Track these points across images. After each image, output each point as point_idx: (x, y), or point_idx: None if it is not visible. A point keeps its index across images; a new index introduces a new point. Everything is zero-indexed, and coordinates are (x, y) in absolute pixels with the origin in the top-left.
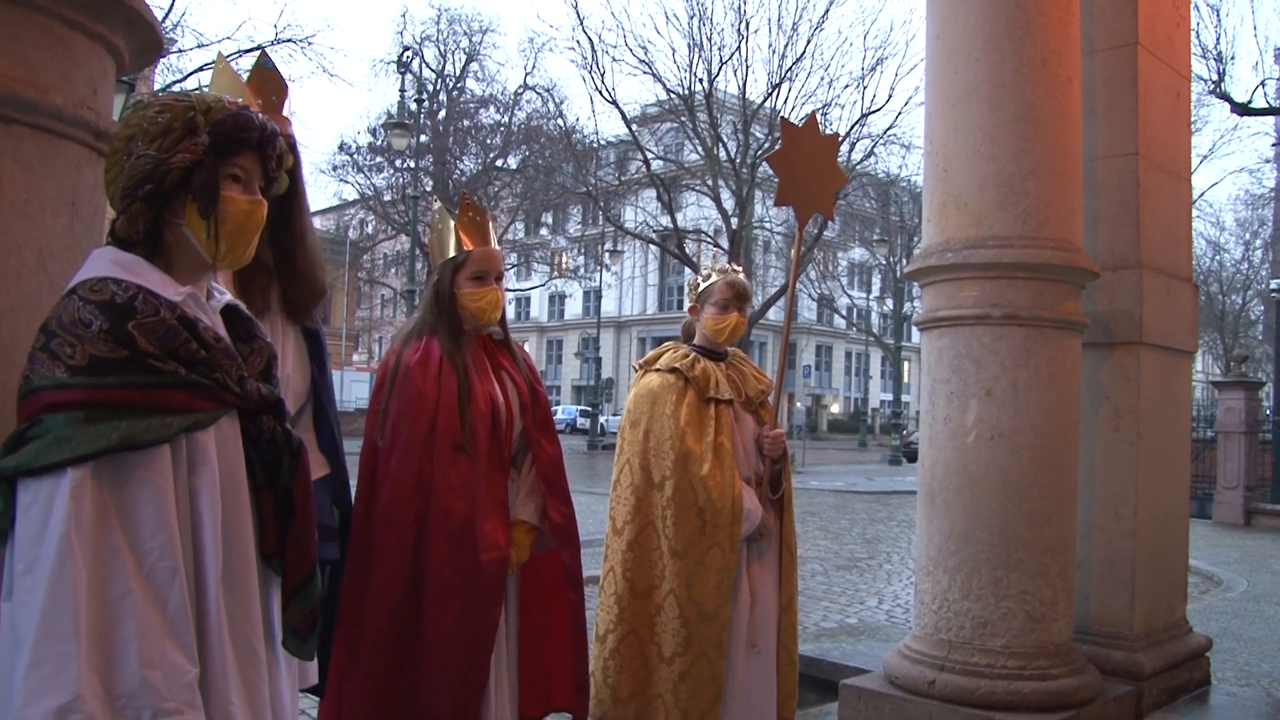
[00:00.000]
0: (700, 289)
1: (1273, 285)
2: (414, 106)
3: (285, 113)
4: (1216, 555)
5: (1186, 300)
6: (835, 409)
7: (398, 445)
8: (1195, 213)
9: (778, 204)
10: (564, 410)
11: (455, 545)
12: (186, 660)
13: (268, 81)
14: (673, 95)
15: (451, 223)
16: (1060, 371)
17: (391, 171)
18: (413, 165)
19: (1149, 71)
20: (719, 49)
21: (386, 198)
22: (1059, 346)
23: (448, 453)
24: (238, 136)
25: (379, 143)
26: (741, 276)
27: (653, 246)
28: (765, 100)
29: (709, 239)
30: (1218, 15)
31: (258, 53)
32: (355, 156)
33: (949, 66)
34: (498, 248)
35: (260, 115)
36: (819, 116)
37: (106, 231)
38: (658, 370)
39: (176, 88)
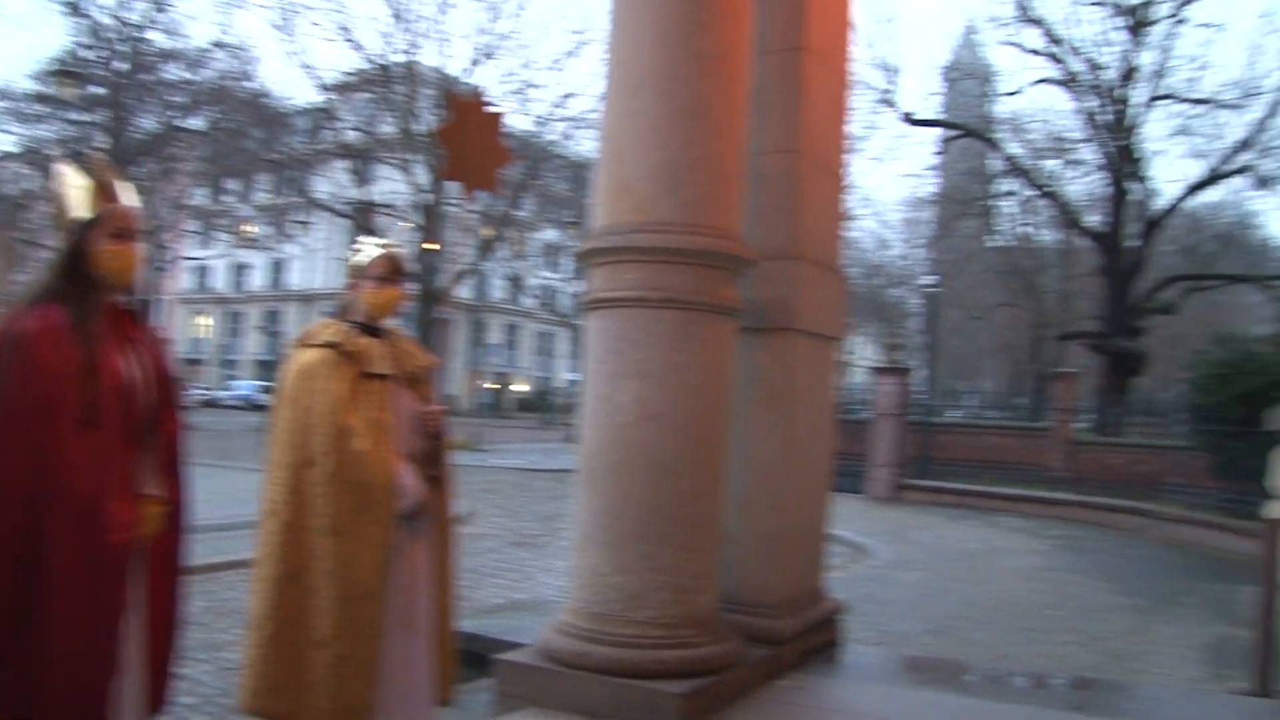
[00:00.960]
0: (358, 264)
1: (928, 280)
2: (88, 54)
3: None
4: (867, 527)
5: (836, 290)
6: (523, 388)
7: (7, 420)
8: (867, 211)
9: (444, 179)
10: (245, 386)
11: (79, 527)
12: None
13: None
14: (371, 64)
15: (83, 180)
16: (715, 354)
17: (60, 124)
18: (84, 119)
19: (813, 75)
20: (420, 20)
21: (53, 152)
22: (714, 330)
23: (72, 428)
24: None
25: (46, 91)
26: (399, 250)
27: (343, 219)
28: (465, 76)
29: (401, 214)
30: (890, 31)
31: None
32: (18, 104)
33: (625, 55)
34: (136, 205)
35: None
36: (520, 96)
37: None
38: (314, 345)
39: None
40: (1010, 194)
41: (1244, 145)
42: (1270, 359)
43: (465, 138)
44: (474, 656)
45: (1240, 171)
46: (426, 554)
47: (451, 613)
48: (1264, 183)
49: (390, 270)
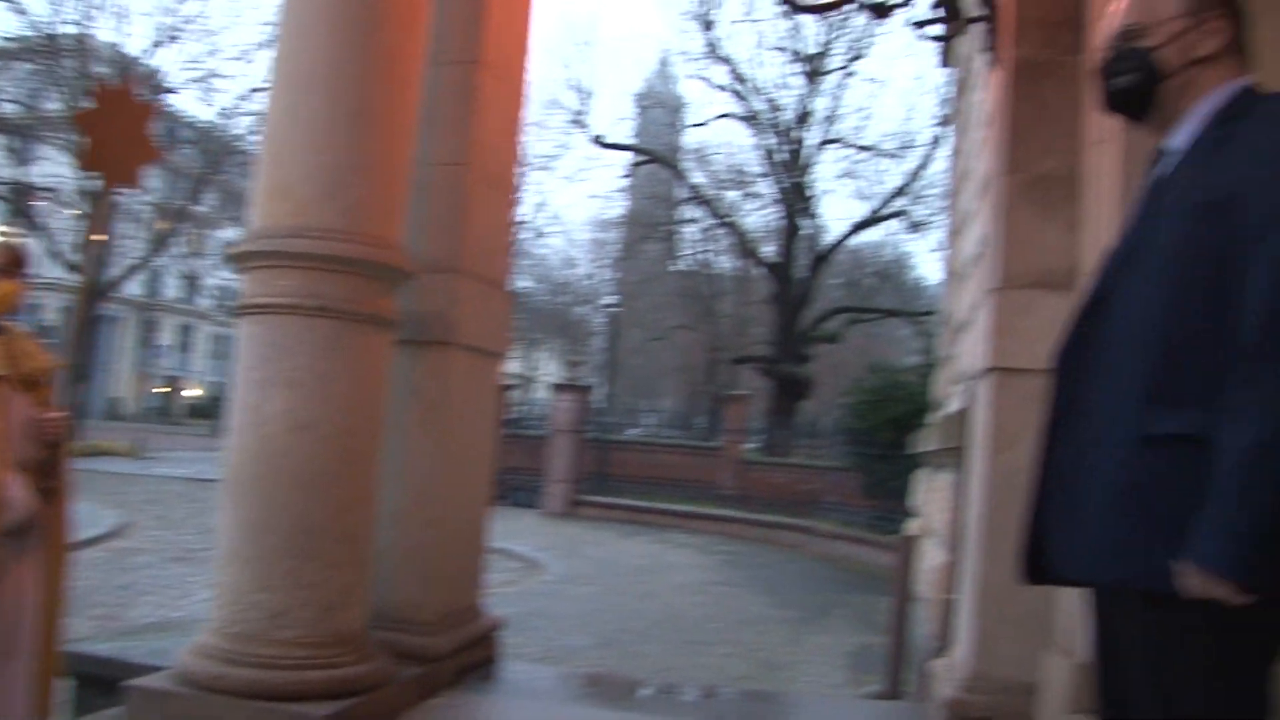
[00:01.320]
0: None
1: (611, 300)
2: None
3: None
4: (541, 542)
5: (500, 305)
6: (196, 393)
7: None
8: (555, 229)
9: (83, 168)
10: None
11: None
12: None
13: None
14: (37, 33)
15: None
16: (368, 365)
17: None
18: None
19: (488, 90)
20: None
21: None
22: (369, 341)
23: None
24: None
25: None
26: (17, 240)
27: None
28: (145, 58)
29: (65, 200)
30: (585, 54)
31: None
32: None
33: (293, 49)
34: None
35: None
36: (204, 85)
37: None
38: None
39: None
40: (692, 221)
41: (900, 191)
42: (915, 388)
43: (109, 127)
44: (109, 683)
45: (897, 215)
46: (34, 573)
47: (59, 637)
48: (916, 227)
49: (9, 262)
